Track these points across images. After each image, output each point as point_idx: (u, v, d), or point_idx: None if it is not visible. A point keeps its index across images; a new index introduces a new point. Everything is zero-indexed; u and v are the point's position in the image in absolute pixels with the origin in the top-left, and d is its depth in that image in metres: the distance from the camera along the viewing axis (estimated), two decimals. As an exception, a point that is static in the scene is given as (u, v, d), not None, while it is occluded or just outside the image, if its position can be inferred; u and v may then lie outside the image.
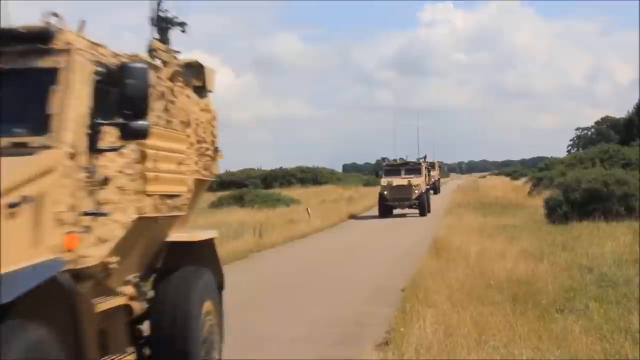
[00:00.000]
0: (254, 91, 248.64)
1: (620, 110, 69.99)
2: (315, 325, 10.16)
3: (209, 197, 54.64)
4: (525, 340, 7.82)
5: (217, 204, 44.40)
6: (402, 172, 35.83)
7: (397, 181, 34.65)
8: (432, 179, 49.37)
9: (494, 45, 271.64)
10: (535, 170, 66.48)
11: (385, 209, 34.99)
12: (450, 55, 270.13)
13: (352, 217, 35.25)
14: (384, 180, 35.38)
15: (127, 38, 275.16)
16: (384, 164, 37.55)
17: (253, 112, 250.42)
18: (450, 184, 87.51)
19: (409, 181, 34.33)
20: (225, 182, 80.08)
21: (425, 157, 39.70)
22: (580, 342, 7.67)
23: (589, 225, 20.30)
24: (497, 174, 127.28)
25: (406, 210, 35.74)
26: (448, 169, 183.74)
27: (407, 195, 34.26)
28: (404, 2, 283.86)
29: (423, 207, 34.70)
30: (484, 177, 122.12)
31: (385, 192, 34.83)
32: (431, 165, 50.11)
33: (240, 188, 59.40)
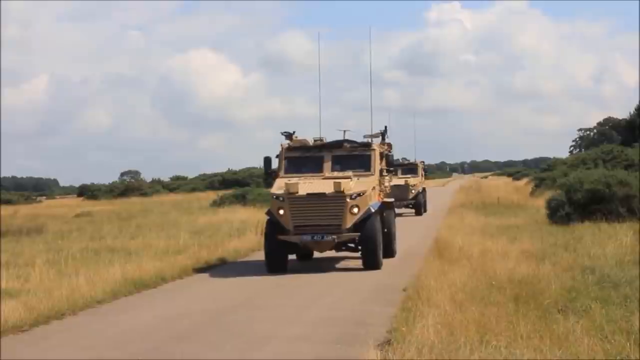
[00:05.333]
0: (261, 90, 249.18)
1: (626, 112, 69.88)
2: (316, 324, 10.16)
3: (211, 195, 54.75)
4: (527, 341, 7.83)
5: (219, 203, 44.38)
6: (325, 164, 16.58)
7: (309, 186, 15.59)
8: (412, 190, 33.43)
9: (501, 46, 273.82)
10: (538, 171, 66.54)
11: (281, 253, 15.77)
12: (458, 56, 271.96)
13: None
14: (280, 184, 15.94)
15: (134, 36, 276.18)
16: (284, 147, 17.01)
17: (259, 111, 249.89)
18: (452, 185, 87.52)
19: (338, 186, 15.24)
20: (228, 181, 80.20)
21: (383, 134, 17.99)
22: (582, 342, 7.67)
23: (591, 226, 20.28)
24: (499, 174, 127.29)
25: (331, 253, 16.87)
26: (450, 169, 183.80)
27: (332, 220, 15.37)
28: (412, 2, 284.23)
29: (372, 251, 15.54)
30: (486, 177, 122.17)
31: (281, 212, 15.48)
32: (409, 167, 35.17)
33: (243, 187, 59.40)
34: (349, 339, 9.03)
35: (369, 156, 16.77)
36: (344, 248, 16.31)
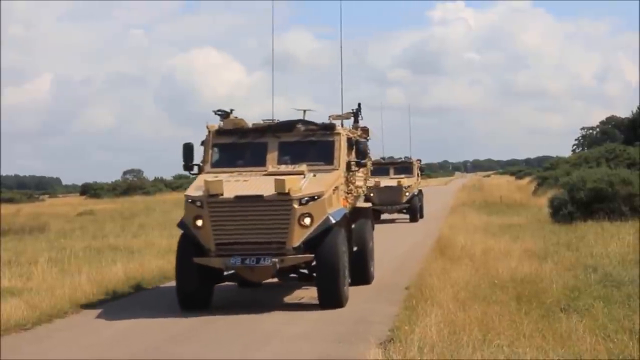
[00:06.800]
0: (264, 89, 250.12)
1: (629, 111, 69.84)
2: (318, 323, 10.16)
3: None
4: (530, 340, 7.83)
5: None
6: (269, 154, 12.07)
7: (240, 185, 11.22)
8: (406, 192, 29.16)
9: (505, 44, 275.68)
10: (540, 170, 66.44)
11: (198, 284, 11.15)
12: (462, 55, 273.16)
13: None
14: (199, 183, 11.42)
15: (137, 35, 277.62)
16: (212, 130, 12.35)
17: (263, 110, 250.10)
18: (455, 183, 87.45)
19: (281, 184, 10.71)
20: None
21: (356, 115, 13.95)
22: (584, 341, 7.67)
23: (594, 225, 20.25)
24: (501, 173, 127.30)
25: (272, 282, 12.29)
26: (453, 168, 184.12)
27: (273, 235, 10.84)
28: (416, 1, 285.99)
29: (331, 281, 10.98)
30: (489, 176, 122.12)
31: (199, 223, 10.97)
32: (403, 166, 30.88)
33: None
34: (351, 338, 9.02)
35: (332, 143, 12.10)
36: (292, 275, 11.84)
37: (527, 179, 67.16)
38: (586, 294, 10.44)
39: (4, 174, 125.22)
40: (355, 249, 12.59)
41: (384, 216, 29.93)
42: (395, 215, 30.73)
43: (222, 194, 10.85)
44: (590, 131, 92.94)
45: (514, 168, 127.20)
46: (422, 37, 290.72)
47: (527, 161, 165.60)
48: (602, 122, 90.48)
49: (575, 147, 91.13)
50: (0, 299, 11.64)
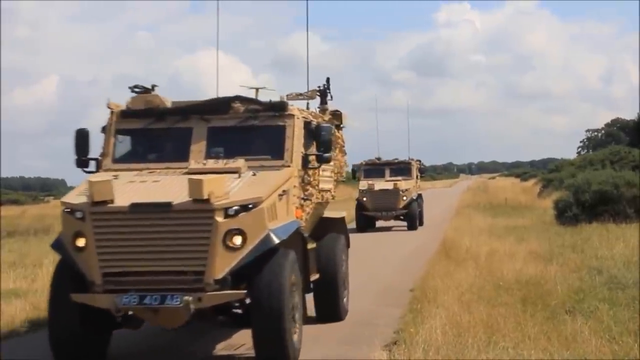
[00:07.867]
0: (270, 91, 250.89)
1: (635, 113, 70.01)
2: (322, 325, 10.14)
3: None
4: (535, 342, 7.82)
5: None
6: (194, 144, 8.66)
7: (142, 188, 7.92)
8: (404, 196, 25.96)
9: (510, 46, 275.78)
10: (545, 172, 66.44)
11: (80, 331, 7.70)
12: (467, 57, 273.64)
13: None
14: (85, 186, 7.92)
15: (142, 37, 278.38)
16: (115, 110, 8.86)
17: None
18: (460, 185, 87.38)
19: (198, 187, 7.30)
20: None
21: (324, 94, 10.63)
22: (590, 343, 7.65)
23: (599, 227, 20.23)
24: (506, 175, 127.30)
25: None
26: (458, 170, 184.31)
27: (185, 261, 7.43)
28: (420, 2, 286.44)
29: (272, 328, 7.45)
30: (494, 178, 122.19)
31: (80, 244, 7.60)
32: (399, 167, 27.73)
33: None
34: (355, 340, 9.01)
35: (282, 129, 8.69)
36: (221, 318, 8.07)
37: (532, 181, 67.15)
38: (591, 296, 10.41)
39: (9, 175, 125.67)
40: (317, 276, 9.59)
41: (379, 223, 27.42)
42: (391, 223, 27.81)
43: (112, 201, 7.55)
44: (595, 133, 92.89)
45: (519, 170, 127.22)
46: (427, 39, 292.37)
47: (532, 163, 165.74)
48: (607, 125, 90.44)
49: (580, 149, 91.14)
50: (0, 299, 11.67)
